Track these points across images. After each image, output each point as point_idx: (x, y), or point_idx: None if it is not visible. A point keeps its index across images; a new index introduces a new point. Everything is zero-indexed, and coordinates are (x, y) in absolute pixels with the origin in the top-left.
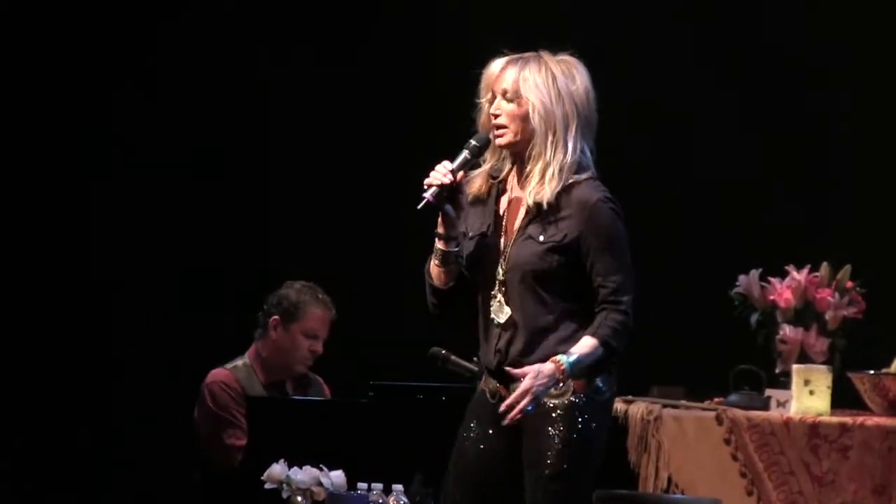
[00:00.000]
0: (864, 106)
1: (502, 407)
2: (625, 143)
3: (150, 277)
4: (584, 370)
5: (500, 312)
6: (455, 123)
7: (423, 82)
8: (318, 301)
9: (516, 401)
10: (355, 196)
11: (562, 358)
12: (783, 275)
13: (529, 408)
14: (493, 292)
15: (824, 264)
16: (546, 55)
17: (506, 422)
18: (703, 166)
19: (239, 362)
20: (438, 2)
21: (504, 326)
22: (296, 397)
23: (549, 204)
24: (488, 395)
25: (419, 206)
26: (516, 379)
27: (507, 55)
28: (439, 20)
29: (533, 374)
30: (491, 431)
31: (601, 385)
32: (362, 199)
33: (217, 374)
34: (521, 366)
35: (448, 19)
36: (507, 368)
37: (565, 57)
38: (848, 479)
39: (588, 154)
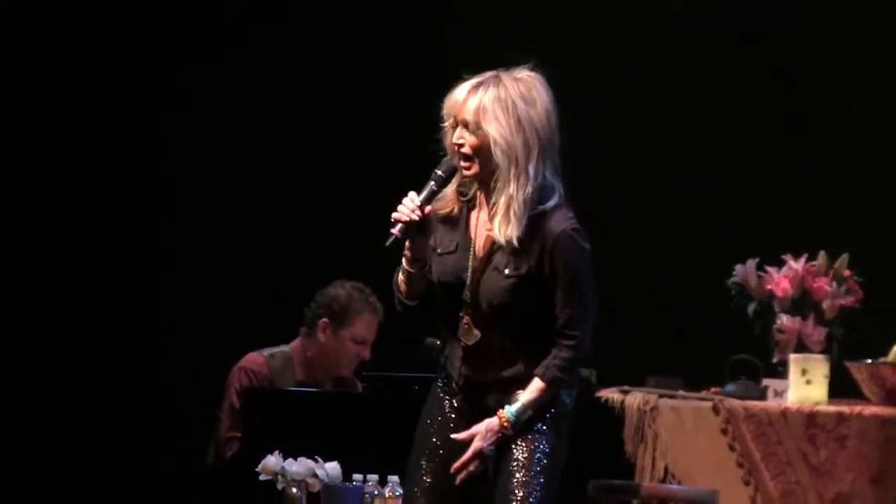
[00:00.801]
0: (862, 94)
1: (452, 469)
2: (622, 134)
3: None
4: (531, 415)
5: (469, 335)
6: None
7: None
8: (368, 305)
9: (465, 464)
10: (347, 183)
11: (507, 411)
12: (780, 264)
13: (479, 466)
14: (460, 313)
15: (821, 253)
16: (505, 77)
17: (458, 482)
18: (700, 155)
19: (279, 351)
20: None
21: (471, 349)
22: (289, 388)
23: (518, 239)
24: (449, 396)
25: (387, 244)
26: (483, 394)
27: (467, 79)
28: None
29: (480, 436)
30: (452, 417)
31: (565, 398)
32: (354, 186)
33: (251, 359)
34: (483, 387)
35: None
36: (454, 435)
37: (525, 75)
38: (845, 468)
39: (551, 176)
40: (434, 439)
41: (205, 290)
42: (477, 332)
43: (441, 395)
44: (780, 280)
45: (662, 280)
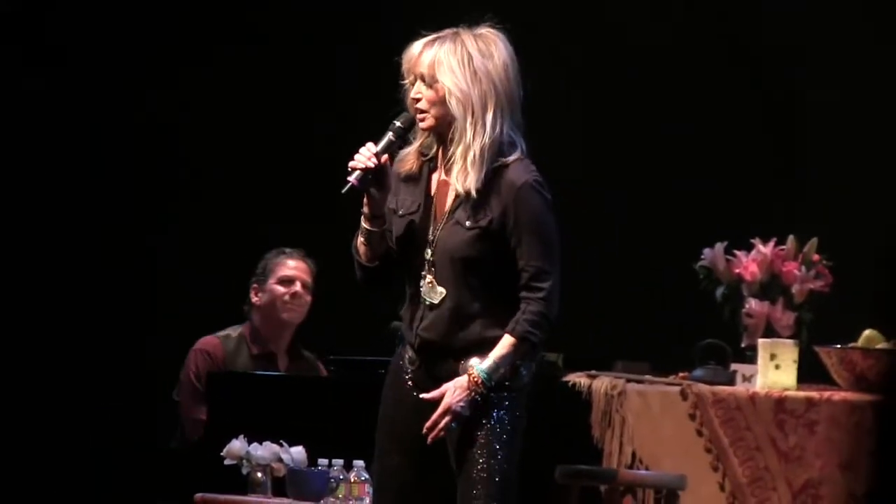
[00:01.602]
0: (830, 81)
1: (424, 429)
2: (592, 118)
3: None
4: (503, 373)
5: (433, 293)
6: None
7: None
8: (283, 254)
9: (436, 421)
10: (310, 168)
11: (476, 368)
12: (749, 248)
13: (453, 424)
14: (423, 272)
15: (791, 237)
16: (464, 32)
17: (429, 441)
18: (666, 140)
19: (232, 332)
20: None
21: (434, 307)
22: (256, 371)
23: (476, 190)
24: (407, 363)
25: (343, 191)
26: (440, 359)
27: (424, 35)
28: None
29: (450, 392)
30: (412, 400)
31: (522, 372)
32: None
33: (205, 341)
34: (440, 351)
35: None
36: (423, 396)
37: (484, 31)
38: (815, 454)
39: (514, 131)
40: (393, 417)
41: (203, 283)
42: (441, 290)
43: (397, 371)
44: (749, 264)
45: (629, 264)
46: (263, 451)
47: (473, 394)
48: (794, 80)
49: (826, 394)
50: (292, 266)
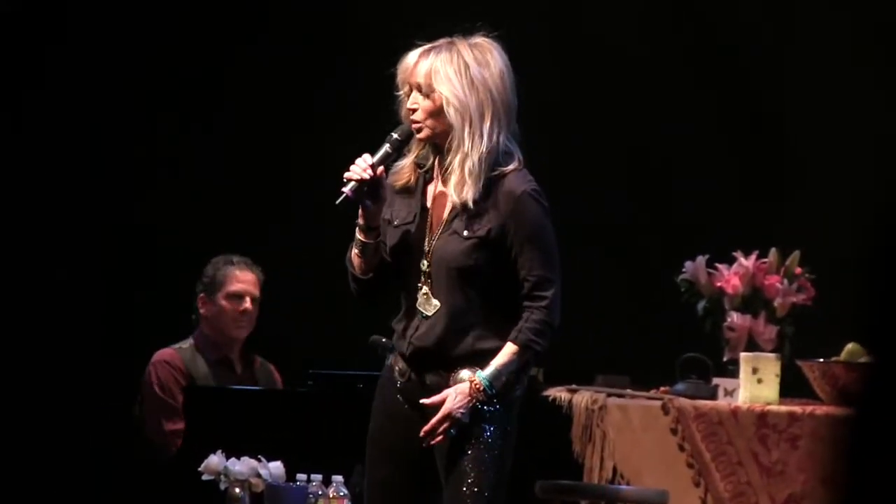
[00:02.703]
0: (815, 92)
1: (422, 432)
2: (573, 131)
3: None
4: (506, 380)
5: (428, 305)
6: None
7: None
8: (231, 263)
9: (435, 427)
10: (290, 179)
11: (479, 376)
12: (731, 261)
13: (452, 431)
14: (419, 284)
15: (773, 250)
16: (459, 42)
17: (425, 445)
18: (648, 154)
19: (185, 344)
20: None
21: (429, 318)
22: (234, 386)
23: (474, 200)
24: (397, 375)
25: (337, 202)
26: (431, 370)
27: (419, 46)
28: None
29: (451, 398)
30: (402, 412)
31: (515, 385)
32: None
33: (163, 353)
34: (431, 361)
35: None
36: (423, 401)
37: (479, 40)
38: (797, 469)
39: (511, 141)
40: (383, 430)
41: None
42: (436, 302)
43: (387, 384)
44: (731, 277)
45: (610, 277)
46: (241, 466)
47: (474, 401)
48: (778, 91)
49: (809, 408)
50: (241, 280)
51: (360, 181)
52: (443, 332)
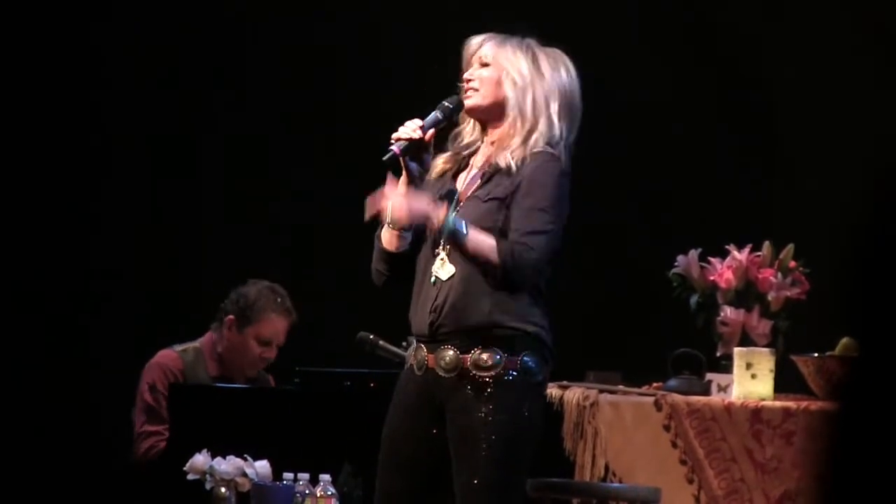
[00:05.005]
0: (809, 84)
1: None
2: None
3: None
4: (460, 242)
5: (443, 269)
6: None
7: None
8: (276, 306)
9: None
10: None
11: (449, 218)
12: (724, 254)
13: (413, 167)
14: (437, 251)
15: (766, 244)
16: (532, 42)
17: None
18: (640, 145)
19: (191, 346)
20: None
21: (444, 284)
22: (218, 384)
23: (507, 166)
24: (416, 368)
25: (385, 158)
26: (449, 339)
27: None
28: None
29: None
30: (419, 409)
31: (532, 366)
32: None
33: (164, 355)
34: (453, 328)
35: None
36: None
37: (554, 49)
38: (792, 465)
39: (568, 146)
40: (396, 435)
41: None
42: (451, 266)
43: (404, 379)
44: (724, 271)
45: (602, 272)
46: (227, 465)
47: (436, 221)
48: (770, 83)
49: (803, 404)
50: (277, 328)
51: (410, 140)
52: (457, 296)
